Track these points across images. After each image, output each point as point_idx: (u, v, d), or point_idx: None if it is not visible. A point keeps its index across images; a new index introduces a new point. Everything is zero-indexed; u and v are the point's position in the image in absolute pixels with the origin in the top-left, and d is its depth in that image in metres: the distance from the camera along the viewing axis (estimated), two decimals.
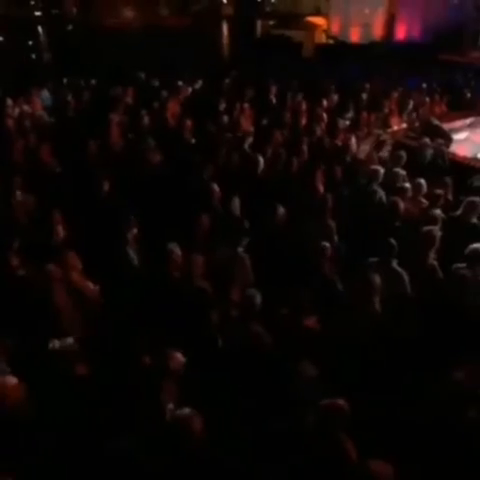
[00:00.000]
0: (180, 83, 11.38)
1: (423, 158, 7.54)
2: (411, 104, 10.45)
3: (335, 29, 18.27)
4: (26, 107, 9.71)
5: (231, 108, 9.22)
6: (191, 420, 2.84)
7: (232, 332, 3.97)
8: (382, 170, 6.37)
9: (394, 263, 4.73)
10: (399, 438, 3.25)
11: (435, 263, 4.99)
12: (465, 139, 9.31)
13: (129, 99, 10.00)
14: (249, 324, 3.88)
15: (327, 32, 18.54)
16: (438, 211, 5.72)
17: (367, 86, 11.28)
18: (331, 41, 18.46)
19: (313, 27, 18.74)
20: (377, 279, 4.24)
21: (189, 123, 7.99)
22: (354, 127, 9.07)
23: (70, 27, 31.40)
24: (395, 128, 9.82)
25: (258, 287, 4.68)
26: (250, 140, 7.63)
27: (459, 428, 3.24)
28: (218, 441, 2.94)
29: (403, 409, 3.43)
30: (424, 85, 11.89)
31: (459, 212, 5.84)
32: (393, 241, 4.77)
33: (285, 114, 8.85)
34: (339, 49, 17.65)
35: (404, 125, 10.02)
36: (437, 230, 5.05)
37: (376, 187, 6.07)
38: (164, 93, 10.38)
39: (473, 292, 4.44)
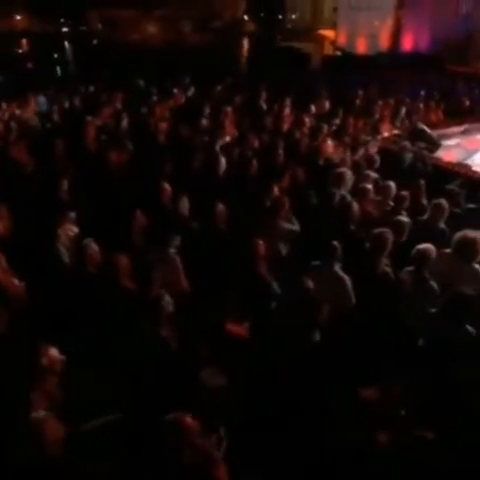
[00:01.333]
0: (175, 90, 11.26)
1: (402, 162, 7.07)
2: (403, 111, 9.97)
3: (342, 40, 17.86)
4: (17, 110, 9.66)
5: (216, 112, 8.92)
6: (44, 424, 2.47)
7: (140, 335, 3.57)
8: (348, 173, 5.91)
9: (336, 267, 4.28)
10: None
11: (387, 269, 4.50)
12: (456, 145, 8.79)
13: (118, 104, 9.82)
14: (156, 328, 3.48)
15: (334, 44, 18.15)
16: (401, 214, 5.22)
17: (360, 93, 10.84)
18: (338, 52, 18.06)
19: (321, 39, 18.41)
20: (310, 283, 3.81)
21: (164, 126, 7.69)
22: (340, 133, 8.67)
23: (95, 42, 31.88)
24: (385, 134, 9.33)
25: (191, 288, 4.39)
26: (221, 142, 7.27)
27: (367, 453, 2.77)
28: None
29: (308, 430, 2.99)
30: (422, 92, 11.37)
31: (426, 216, 5.37)
32: (336, 244, 4.32)
33: (267, 118, 8.47)
34: (345, 60, 17.23)
35: (395, 131, 9.54)
36: (389, 233, 4.55)
37: (335, 189, 5.61)
38: (154, 98, 10.20)
39: (410, 297, 3.96)
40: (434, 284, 4.27)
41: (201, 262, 4.46)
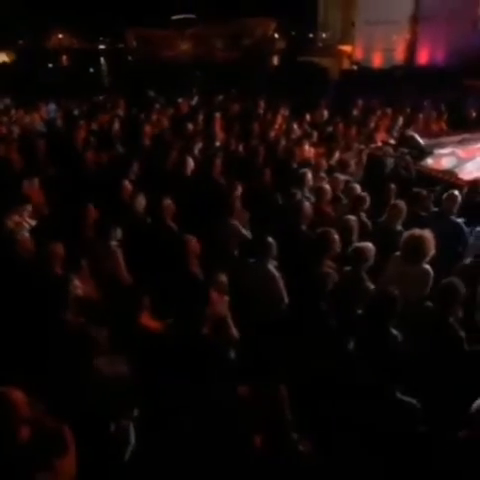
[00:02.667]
0: (180, 99, 11.42)
1: (383, 167, 6.84)
2: (401, 120, 9.70)
3: (359, 55, 17.62)
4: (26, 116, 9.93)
5: (208, 119, 8.93)
6: None
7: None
8: (310, 174, 5.73)
9: (269, 264, 4.09)
10: None
11: (330, 270, 4.26)
12: (449, 153, 8.41)
13: (120, 111, 9.96)
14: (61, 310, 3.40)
15: (351, 58, 17.94)
16: (353, 216, 4.96)
17: (360, 103, 10.64)
18: (355, 66, 17.83)
19: (340, 54, 18.26)
20: (223, 278, 3.66)
21: (148, 129, 7.70)
22: (329, 139, 8.53)
23: (130, 58, 32.72)
24: (379, 143, 9.08)
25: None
26: (200, 145, 7.20)
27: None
28: None
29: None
30: (425, 103, 11.05)
31: (383, 218, 5.13)
32: (270, 240, 4.14)
33: (255, 125, 8.40)
34: (361, 73, 17.01)
35: (391, 141, 9.27)
36: (332, 233, 4.32)
37: (296, 190, 5.42)
38: (157, 106, 10.30)
39: (339, 296, 3.73)
40: (370, 285, 4.04)
41: (145, 256, 4.39)
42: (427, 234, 4.22)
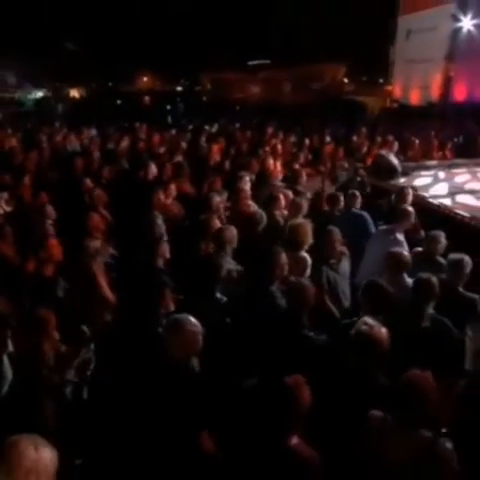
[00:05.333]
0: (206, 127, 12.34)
1: (337, 181, 7.17)
2: (396, 146, 9.85)
3: (398, 92, 17.67)
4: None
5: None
6: None
7: None
8: (246, 178, 6.19)
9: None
10: None
11: (231, 266, 4.30)
12: (429, 175, 8.49)
13: (142, 134, 11.00)
14: None
15: (391, 96, 18.01)
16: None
17: (363, 131, 10.91)
18: (395, 104, 17.89)
19: (381, 93, 18.44)
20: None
21: (142, 146, 8.60)
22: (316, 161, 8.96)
23: (204, 99, 34.74)
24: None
25: None
26: (179, 158, 7.90)
27: None
28: None
29: None
30: (432, 133, 11.04)
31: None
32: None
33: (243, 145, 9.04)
34: (400, 111, 17.05)
35: None
36: (231, 228, 4.61)
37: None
38: (173, 131, 11.26)
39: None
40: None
41: None
42: (305, 223, 4.54)
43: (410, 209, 5.07)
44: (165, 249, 4.23)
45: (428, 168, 8.87)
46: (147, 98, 34.32)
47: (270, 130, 10.89)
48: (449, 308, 3.86)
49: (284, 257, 3.87)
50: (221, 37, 33.43)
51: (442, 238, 4.49)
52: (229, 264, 4.23)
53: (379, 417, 2.45)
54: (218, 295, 3.81)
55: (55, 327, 3.37)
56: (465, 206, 6.68)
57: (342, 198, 5.70)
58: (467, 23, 15.34)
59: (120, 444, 2.89)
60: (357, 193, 5.58)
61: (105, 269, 4.28)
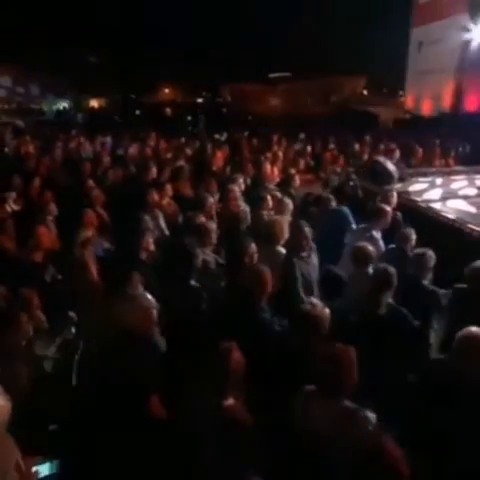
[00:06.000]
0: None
1: (329, 185, 7.40)
2: (398, 154, 10.00)
3: (410, 103, 17.78)
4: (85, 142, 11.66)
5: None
6: None
7: None
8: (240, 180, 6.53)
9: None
10: None
11: (208, 257, 4.65)
12: (426, 181, 8.64)
13: (152, 142, 11.42)
14: None
15: (403, 107, 18.13)
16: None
17: (367, 139, 11.12)
18: (407, 115, 17.99)
19: (393, 104, 18.57)
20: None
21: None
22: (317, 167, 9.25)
23: (224, 110, 35.25)
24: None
25: None
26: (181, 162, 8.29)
27: None
28: None
29: None
30: (437, 142, 11.16)
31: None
32: None
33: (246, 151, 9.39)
34: (412, 121, 17.16)
35: None
36: (209, 223, 4.95)
37: None
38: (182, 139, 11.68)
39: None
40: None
41: None
42: (281, 220, 4.80)
43: (387, 209, 5.28)
44: (149, 242, 4.54)
45: (426, 175, 9.02)
46: (168, 109, 35.14)
47: (275, 138, 11.18)
48: (412, 300, 4.07)
49: (253, 247, 4.14)
50: (243, 50, 33.96)
51: (412, 236, 4.69)
52: (207, 256, 4.51)
53: (309, 390, 2.66)
54: (192, 282, 4.08)
55: (38, 307, 3.70)
56: (454, 210, 6.83)
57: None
58: (478, 34, 15.43)
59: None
60: (331, 196, 5.85)
61: (95, 259, 4.61)
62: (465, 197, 7.60)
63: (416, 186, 8.31)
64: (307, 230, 4.57)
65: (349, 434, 2.43)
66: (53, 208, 5.73)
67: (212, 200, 5.73)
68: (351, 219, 5.62)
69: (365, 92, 37.20)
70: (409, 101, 17.94)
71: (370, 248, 4.27)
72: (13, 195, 6.51)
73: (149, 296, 3.10)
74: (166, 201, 6.44)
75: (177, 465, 2.58)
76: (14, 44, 25.45)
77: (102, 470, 2.60)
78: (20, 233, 5.14)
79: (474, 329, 2.82)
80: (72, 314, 3.98)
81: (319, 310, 3.01)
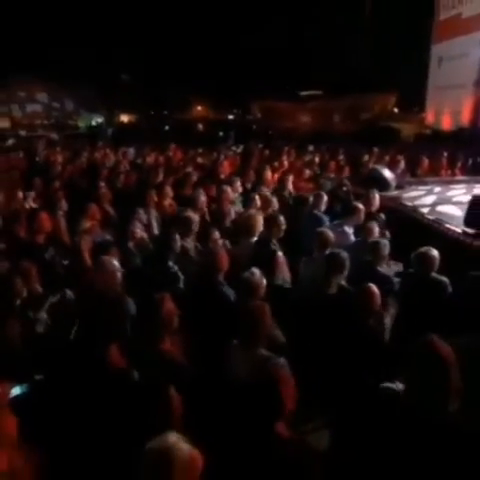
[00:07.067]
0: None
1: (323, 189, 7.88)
2: (403, 164, 10.41)
3: (431, 118, 18.02)
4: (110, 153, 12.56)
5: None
6: None
7: None
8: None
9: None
10: None
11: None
12: (424, 189, 8.98)
13: (171, 152, 12.25)
14: None
15: (423, 121, 18.39)
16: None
17: (375, 151, 11.59)
18: (428, 131, 18.25)
19: (415, 120, 18.86)
20: None
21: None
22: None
23: (254, 127, 36.10)
24: None
25: None
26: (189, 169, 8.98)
27: None
28: None
29: None
30: (445, 154, 11.47)
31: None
32: None
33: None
34: (432, 136, 17.40)
35: None
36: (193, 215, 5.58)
37: None
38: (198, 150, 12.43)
39: None
40: None
41: None
42: (256, 214, 5.37)
43: (360, 206, 5.76)
44: (135, 230, 5.18)
45: (427, 183, 9.36)
46: (200, 125, 36.32)
47: (285, 149, 11.76)
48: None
49: (216, 234, 4.74)
50: (274, 68, 34.86)
51: (375, 229, 5.15)
52: (188, 243, 5.12)
53: (234, 342, 3.18)
54: (170, 263, 4.68)
55: (36, 280, 4.36)
56: (439, 213, 7.18)
57: (311, 199, 6.43)
58: None
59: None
60: (322, 193, 6.34)
61: (91, 245, 5.28)
62: (456, 203, 7.91)
63: (412, 193, 8.67)
64: (281, 220, 5.12)
65: (262, 380, 2.90)
66: (64, 204, 6.47)
67: (204, 198, 6.35)
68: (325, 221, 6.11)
69: (396, 110, 37.34)
70: (429, 116, 18.21)
71: (330, 234, 4.77)
72: (32, 194, 7.31)
73: (115, 262, 3.71)
74: (167, 202, 7.10)
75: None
76: (50, 61, 27.31)
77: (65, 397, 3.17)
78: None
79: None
80: (69, 292, 4.64)
81: (257, 278, 3.54)
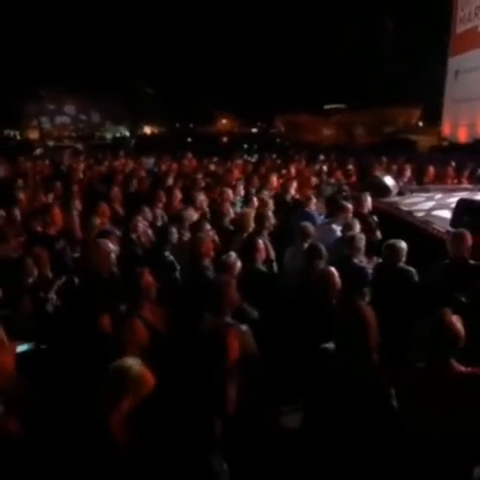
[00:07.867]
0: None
1: (323, 193, 8.35)
2: (409, 172, 10.78)
3: (447, 131, 18.25)
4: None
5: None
6: None
7: None
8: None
9: None
10: None
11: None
12: (425, 195, 9.30)
13: (186, 161, 12.92)
14: None
15: (439, 134, 18.63)
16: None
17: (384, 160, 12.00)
18: (445, 143, 18.48)
19: (434, 132, 19.12)
20: None
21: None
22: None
23: (277, 140, 36.75)
24: None
25: None
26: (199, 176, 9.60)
27: None
28: None
29: None
30: (453, 163, 11.77)
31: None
32: None
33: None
34: (448, 148, 17.64)
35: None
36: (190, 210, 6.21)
37: None
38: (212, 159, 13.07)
39: None
40: None
41: None
42: (248, 212, 5.92)
43: (348, 206, 6.22)
44: (137, 225, 5.79)
45: (429, 190, 9.67)
46: (224, 138, 37.23)
47: (296, 158, 12.30)
48: (343, 274, 4.98)
49: (207, 226, 5.31)
50: (298, 82, 35.52)
51: (357, 226, 5.60)
52: (184, 236, 5.70)
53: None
54: (166, 253, 5.25)
55: (46, 263, 4.98)
56: (434, 217, 7.54)
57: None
58: None
59: None
60: (312, 196, 6.87)
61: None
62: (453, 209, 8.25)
63: (412, 199, 9.01)
64: (269, 215, 5.66)
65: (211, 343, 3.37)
66: (77, 203, 7.14)
67: (203, 197, 6.95)
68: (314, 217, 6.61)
69: (420, 123, 37.38)
70: (446, 128, 18.46)
71: (311, 228, 5.29)
72: (51, 196, 8.02)
73: (110, 244, 4.30)
74: (176, 203, 7.71)
75: None
76: (79, 75, 28.78)
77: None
78: None
79: None
80: (76, 278, 5.25)
81: (231, 259, 4.07)
